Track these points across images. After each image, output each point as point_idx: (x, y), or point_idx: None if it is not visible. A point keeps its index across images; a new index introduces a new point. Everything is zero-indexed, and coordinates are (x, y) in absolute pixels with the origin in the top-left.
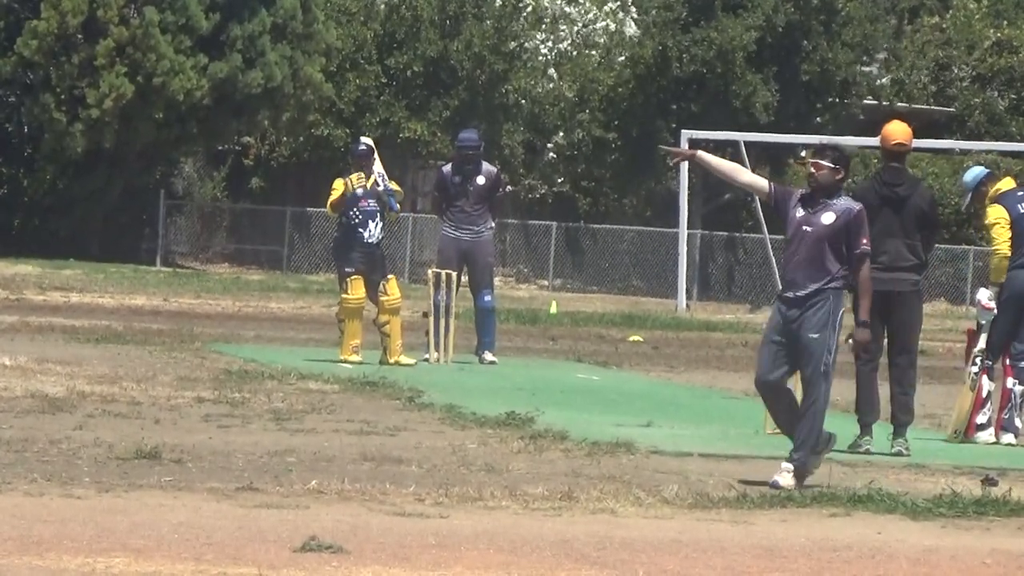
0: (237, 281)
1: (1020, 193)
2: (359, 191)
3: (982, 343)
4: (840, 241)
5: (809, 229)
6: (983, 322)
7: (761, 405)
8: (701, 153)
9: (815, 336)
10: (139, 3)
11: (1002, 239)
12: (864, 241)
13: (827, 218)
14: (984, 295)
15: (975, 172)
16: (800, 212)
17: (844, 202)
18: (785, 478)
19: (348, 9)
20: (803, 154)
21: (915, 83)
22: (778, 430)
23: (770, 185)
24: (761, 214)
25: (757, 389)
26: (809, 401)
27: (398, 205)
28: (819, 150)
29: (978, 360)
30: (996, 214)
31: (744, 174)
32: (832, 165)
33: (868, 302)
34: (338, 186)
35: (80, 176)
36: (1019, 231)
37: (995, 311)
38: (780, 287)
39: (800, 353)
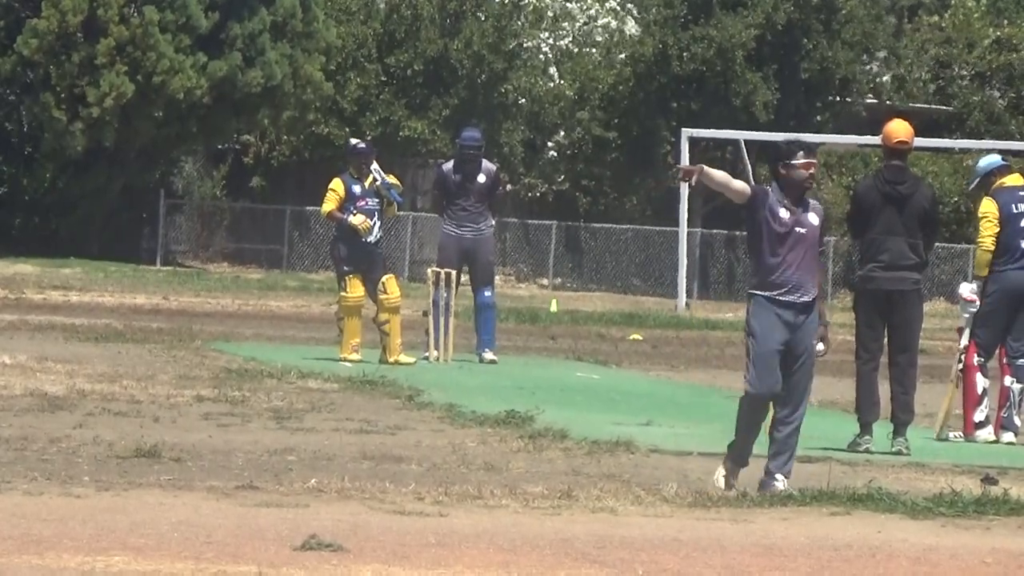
0: (237, 280)
1: (1022, 193)
2: (356, 190)
3: (965, 339)
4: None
5: (803, 231)
6: (966, 315)
7: None
8: (706, 168)
9: (814, 343)
10: (139, 2)
11: (987, 233)
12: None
13: (814, 219)
14: (966, 288)
15: (990, 160)
16: (786, 212)
17: (815, 202)
18: (783, 483)
19: (348, 8)
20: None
21: (915, 81)
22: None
23: (751, 186)
24: None
25: (756, 402)
26: (802, 411)
27: (401, 197)
28: (810, 150)
29: (962, 357)
30: (986, 208)
31: (734, 182)
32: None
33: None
34: (335, 186)
35: (80, 175)
36: (1010, 229)
37: (977, 303)
38: (775, 290)
39: (795, 360)
